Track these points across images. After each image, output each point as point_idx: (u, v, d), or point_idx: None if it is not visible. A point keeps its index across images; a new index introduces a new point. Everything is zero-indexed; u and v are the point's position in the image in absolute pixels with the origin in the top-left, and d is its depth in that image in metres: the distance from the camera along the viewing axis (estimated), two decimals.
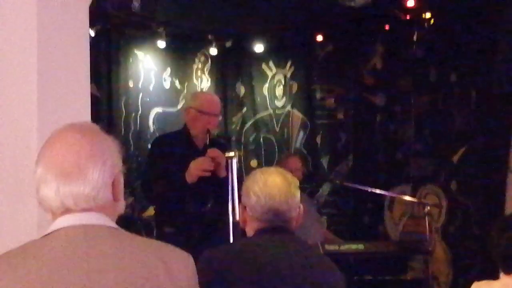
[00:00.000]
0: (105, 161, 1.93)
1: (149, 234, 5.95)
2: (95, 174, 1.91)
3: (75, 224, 1.90)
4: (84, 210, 1.91)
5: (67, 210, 1.91)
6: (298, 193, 2.86)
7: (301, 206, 2.88)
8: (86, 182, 1.90)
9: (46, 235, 1.91)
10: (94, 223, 1.91)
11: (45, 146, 1.96)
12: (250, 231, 2.85)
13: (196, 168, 4.69)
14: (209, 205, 4.84)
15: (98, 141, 1.97)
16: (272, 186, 2.79)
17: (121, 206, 2.02)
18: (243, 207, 2.87)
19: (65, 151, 1.91)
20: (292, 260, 2.71)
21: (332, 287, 2.74)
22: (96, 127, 2.04)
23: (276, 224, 2.79)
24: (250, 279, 2.61)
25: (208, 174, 4.69)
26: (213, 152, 4.75)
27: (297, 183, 2.88)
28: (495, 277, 3.16)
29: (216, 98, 5.22)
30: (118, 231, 1.95)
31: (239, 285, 2.60)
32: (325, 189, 7.42)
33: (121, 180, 2.01)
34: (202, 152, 4.81)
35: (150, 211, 6.28)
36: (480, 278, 3.23)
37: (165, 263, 1.90)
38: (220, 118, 5.31)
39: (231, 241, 4.21)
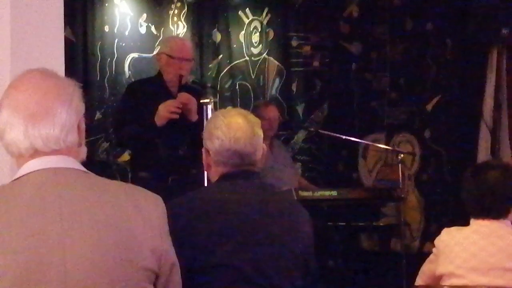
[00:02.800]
0: (71, 102, 1.92)
1: (124, 179, 5.97)
2: (63, 115, 1.90)
3: (45, 168, 1.88)
4: (54, 151, 1.89)
5: (36, 152, 1.89)
6: (261, 133, 2.78)
7: (265, 147, 2.82)
8: (55, 123, 1.88)
9: (15, 179, 1.89)
10: (63, 166, 1.90)
11: (9, 90, 1.94)
12: (214, 175, 2.77)
13: (164, 110, 4.68)
14: (182, 150, 4.85)
15: (62, 83, 1.96)
16: (236, 129, 2.69)
17: (84, 152, 2.01)
18: (207, 152, 2.77)
19: (31, 93, 1.89)
20: (259, 203, 2.67)
21: (297, 228, 2.70)
22: (56, 72, 2.02)
23: (242, 168, 2.72)
24: (218, 224, 2.57)
25: (176, 116, 4.68)
26: (183, 96, 4.75)
27: (259, 122, 2.80)
28: (466, 223, 3.22)
29: (188, 42, 5.19)
30: (88, 174, 1.94)
31: (207, 231, 2.55)
32: (300, 136, 7.45)
33: (84, 125, 2.00)
34: (175, 98, 4.80)
35: (125, 156, 6.28)
36: (451, 225, 3.28)
37: (136, 204, 1.91)
38: (193, 63, 5.27)
39: (206, 185, 4.22)
